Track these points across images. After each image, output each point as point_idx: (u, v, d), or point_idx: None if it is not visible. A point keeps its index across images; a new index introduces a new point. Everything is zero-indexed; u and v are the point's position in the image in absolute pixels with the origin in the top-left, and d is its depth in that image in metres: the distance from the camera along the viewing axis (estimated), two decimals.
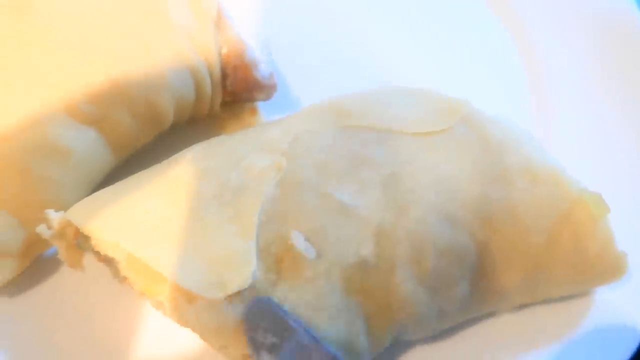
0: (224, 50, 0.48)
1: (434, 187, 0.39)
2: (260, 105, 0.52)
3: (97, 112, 0.43)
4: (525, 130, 0.44)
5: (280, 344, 0.34)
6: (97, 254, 0.41)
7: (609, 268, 0.41)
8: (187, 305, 0.35)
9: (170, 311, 0.36)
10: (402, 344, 0.44)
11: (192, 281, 0.34)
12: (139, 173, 0.42)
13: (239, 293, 0.34)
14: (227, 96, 0.50)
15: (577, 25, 0.58)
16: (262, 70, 0.50)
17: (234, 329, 0.35)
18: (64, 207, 0.41)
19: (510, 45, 0.58)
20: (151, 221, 0.37)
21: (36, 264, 0.46)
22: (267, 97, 0.50)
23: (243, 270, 0.35)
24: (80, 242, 0.41)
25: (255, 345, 0.34)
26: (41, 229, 0.40)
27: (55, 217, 0.39)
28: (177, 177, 0.39)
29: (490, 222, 0.39)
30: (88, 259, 0.43)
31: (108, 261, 0.42)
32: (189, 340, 0.44)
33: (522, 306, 0.44)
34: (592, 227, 0.40)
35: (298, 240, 0.36)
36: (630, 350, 0.43)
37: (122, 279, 0.42)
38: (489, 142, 0.42)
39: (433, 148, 0.41)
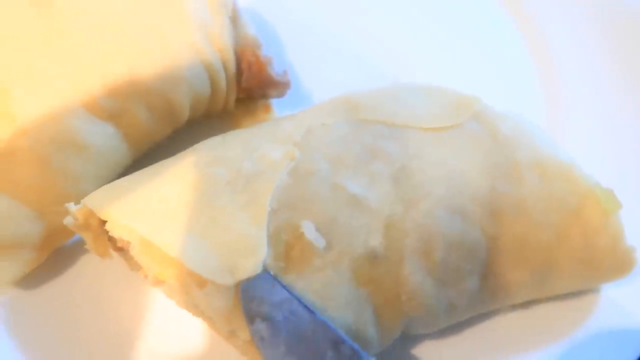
0: (239, 47, 0.49)
1: (444, 181, 0.39)
2: (273, 102, 0.52)
3: (115, 106, 0.44)
4: (537, 126, 0.44)
5: (274, 313, 0.34)
6: (112, 242, 0.42)
7: (618, 263, 0.41)
8: (197, 289, 0.36)
9: (181, 295, 0.36)
10: (410, 339, 0.44)
11: (203, 266, 0.35)
12: (155, 164, 0.43)
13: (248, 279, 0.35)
14: (241, 92, 0.50)
15: (588, 21, 0.58)
16: (276, 67, 0.50)
17: (242, 314, 0.35)
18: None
19: (521, 42, 0.59)
20: (165, 207, 0.38)
21: (53, 257, 0.47)
22: (281, 94, 0.51)
23: (254, 256, 0.35)
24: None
25: (250, 315, 0.35)
26: (67, 221, 0.41)
27: (76, 208, 0.40)
28: (192, 165, 0.40)
29: (500, 216, 0.40)
30: None
31: (123, 250, 0.43)
32: (200, 331, 0.45)
33: (530, 302, 0.44)
34: (602, 222, 0.40)
35: (308, 230, 0.37)
36: (639, 349, 0.43)
37: (136, 267, 0.42)
38: (499, 138, 0.42)
39: (444, 143, 0.41)
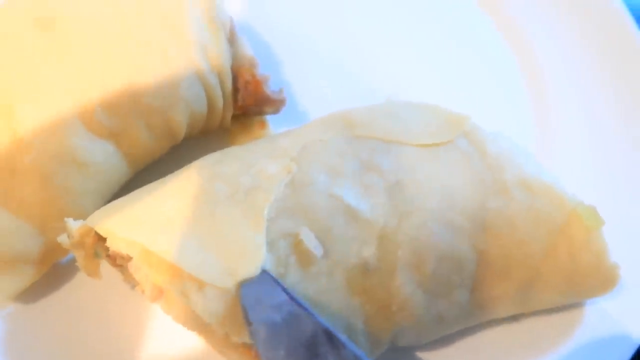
0: (236, 66, 0.50)
1: (436, 196, 0.41)
2: (269, 118, 0.54)
3: (115, 124, 0.45)
4: (522, 147, 0.45)
5: (273, 315, 0.34)
6: (112, 259, 0.43)
7: (602, 279, 0.42)
8: (196, 293, 0.36)
9: (179, 304, 0.37)
10: (399, 351, 0.45)
11: (202, 269, 0.36)
12: (153, 182, 0.44)
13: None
14: (238, 110, 0.52)
15: (578, 40, 0.60)
16: (272, 85, 0.52)
17: (238, 316, 0.36)
18: (81, 216, 0.43)
19: (512, 61, 0.60)
20: (165, 219, 0.39)
21: (52, 271, 0.47)
22: (276, 111, 0.52)
23: (253, 259, 0.36)
24: (97, 251, 0.43)
25: (249, 316, 0.35)
26: (62, 239, 0.41)
27: (74, 225, 0.41)
28: (191, 181, 0.41)
29: (489, 231, 0.41)
30: (103, 268, 0.45)
31: (122, 267, 0.43)
32: (196, 345, 0.46)
33: (518, 315, 0.45)
34: (586, 239, 0.41)
35: (307, 237, 0.38)
36: None
37: (135, 283, 0.43)
38: (488, 157, 0.44)
39: (436, 159, 0.43)
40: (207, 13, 0.50)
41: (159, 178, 0.45)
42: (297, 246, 0.38)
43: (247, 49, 0.52)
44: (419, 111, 0.47)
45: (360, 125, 0.44)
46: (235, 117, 0.53)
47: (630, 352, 0.45)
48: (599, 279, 0.42)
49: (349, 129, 0.44)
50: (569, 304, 0.46)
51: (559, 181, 0.44)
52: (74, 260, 0.44)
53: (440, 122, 0.46)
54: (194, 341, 0.46)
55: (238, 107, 0.51)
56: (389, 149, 0.43)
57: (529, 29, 0.61)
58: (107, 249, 0.41)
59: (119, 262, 0.42)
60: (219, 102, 0.49)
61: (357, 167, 0.41)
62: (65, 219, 0.41)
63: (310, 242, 0.38)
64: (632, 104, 0.56)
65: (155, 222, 0.38)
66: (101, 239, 0.41)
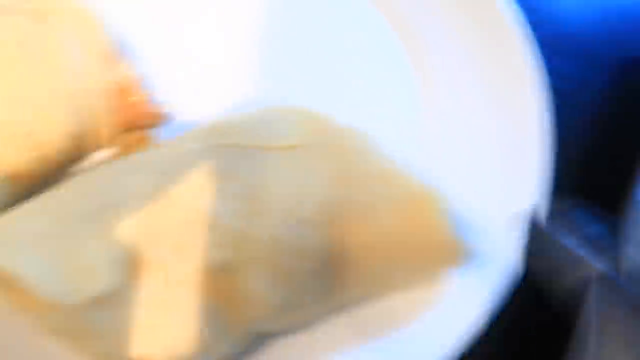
0: (114, 85, 0.53)
1: (291, 196, 0.44)
2: (156, 130, 0.56)
3: None
4: (379, 141, 0.49)
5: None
6: None
7: (449, 254, 0.47)
8: (49, 313, 0.39)
9: (36, 320, 0.40)
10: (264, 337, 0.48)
11: (51, 290, 0.38)
12: (27, 202, 0.46)
13: (96, 300, 0.39)
14: (121, 126, 0.54)
15: (469, 43, 0.61)
16: (152, 101, 0.54)
17: (91, 334, 0.39)
18: None
19: (407, 62, 0.62)
20: (21, 238, 0.41)
21: None
22: (158, 125, 0.55)
23: (101, 278, 0.39)
24: None
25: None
26: None
27: None
28: (56, 199, 0.43)
29: (343, 223, 0.45)
30: None
31: None
32: None
33: (374, 296, 0.49)
34: (432, 219, 0.46)
35: (158, 253, 0.41)
36: (476, 328, 0.49)
37: None
38: (346, 153, 0.47)
39: (294, 161, 0.46)
40: (84, 35, 0.52)
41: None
42: (150, 260, 0.40)
43: (129, 67, 0.54)
44: (282, 115, 0.50)
45: (223, 133, 0.47)
46: (121, 133, 0.55)
47: (484, 318, 0.49)
48: (446, 253, 0.47)
49: (213, 137, 0.47)
50: (426, 278, 0.50)
51: (408, 168, 0.48)
52: None
53: (302, 124, 0.49)
54: None
55: (121, 124, 0.54)
56: (249, 156, 0.46)
57: (424, 30, 0.63)
58: None
59: None
60: (99, 122, 0.52)
61: (217, 177, 0.44)
62: None
63: (163, 254, 0.40)
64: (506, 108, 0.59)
65: (12, 244, 0.40)
66: None
